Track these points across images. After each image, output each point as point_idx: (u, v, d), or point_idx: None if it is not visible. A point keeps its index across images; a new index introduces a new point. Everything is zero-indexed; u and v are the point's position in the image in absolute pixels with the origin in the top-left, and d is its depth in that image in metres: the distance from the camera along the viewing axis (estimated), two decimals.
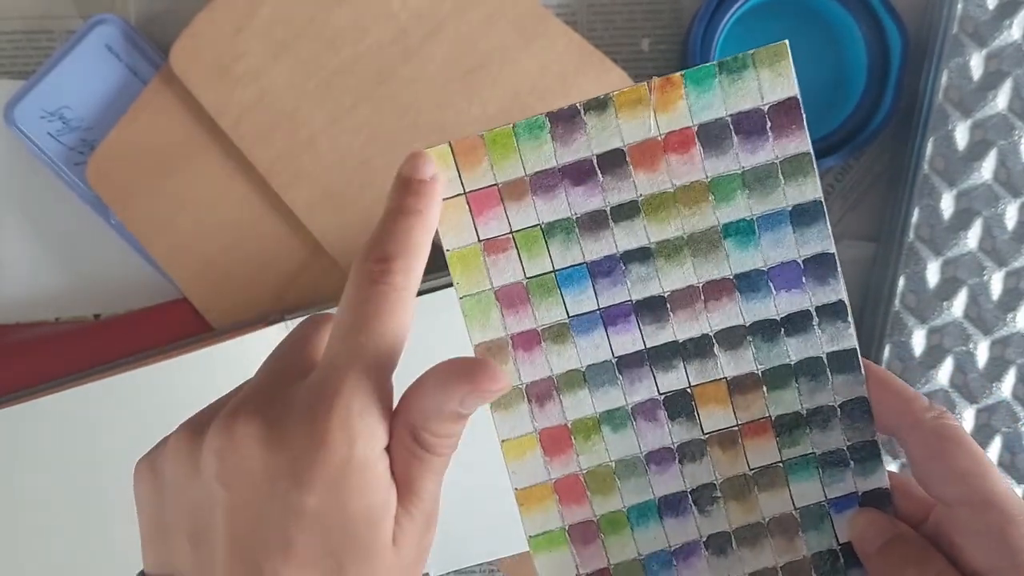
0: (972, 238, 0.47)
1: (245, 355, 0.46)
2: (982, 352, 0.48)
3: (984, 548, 0.27)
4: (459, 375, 0.26)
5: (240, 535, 0.25)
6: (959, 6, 0.46)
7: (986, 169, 0.47)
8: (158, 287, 0.50)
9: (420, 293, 0.45)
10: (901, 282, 0.48)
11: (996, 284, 0.47)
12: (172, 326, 0.49)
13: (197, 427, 0.28)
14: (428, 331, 0.45)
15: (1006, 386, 0.48)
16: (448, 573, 0.49)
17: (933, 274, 0.48)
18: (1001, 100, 0.47)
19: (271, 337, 0.46)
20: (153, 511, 0.29)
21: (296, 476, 0.25)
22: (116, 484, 0.46)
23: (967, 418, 0.48)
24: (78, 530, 0.46)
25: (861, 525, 0.31)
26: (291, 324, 0.46)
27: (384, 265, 0.27)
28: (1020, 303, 0.47)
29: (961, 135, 0.47)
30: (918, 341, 0.48)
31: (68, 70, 0.47)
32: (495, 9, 0.47)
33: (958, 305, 0.47)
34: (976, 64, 0.47)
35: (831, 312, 0.31)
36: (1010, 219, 0.47)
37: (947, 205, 0.47)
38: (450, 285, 0.42)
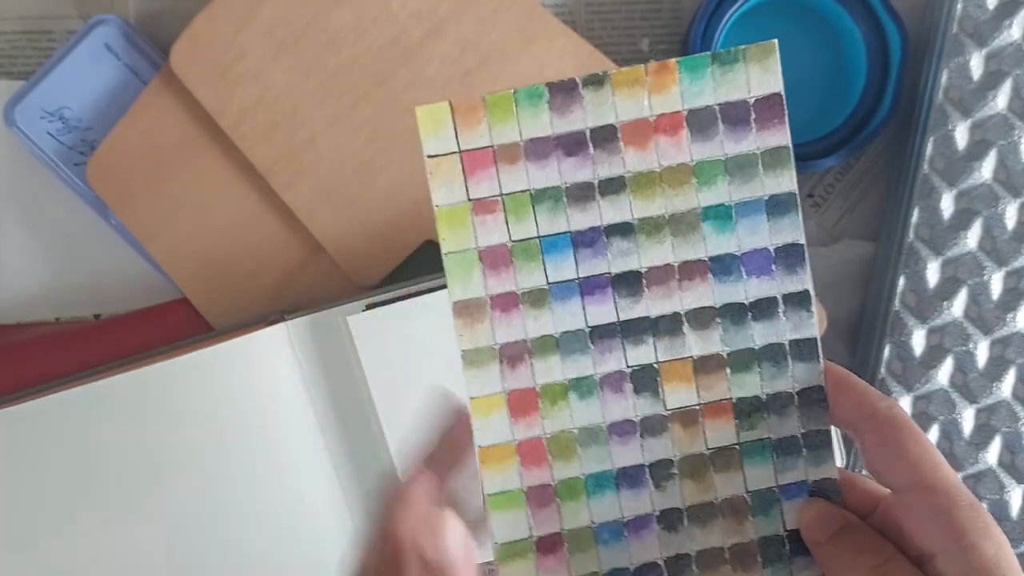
0: (972, 238, 0.47)
1: (245, 355, 0.46)
2: (982, 352, 0.48)
3: (932, 531, 0.28)
4: None
5: None
6: (959, 6, 0.46)
7: (986, 169, 0.47)
8: (158, 287, 0.50)
9: (419, 293, 0.45)
10: (901, 282, 0.48)
11: (996, 284, 0.47)
12: (172, 326, 0.49)
13: None
14: (428, 331, 0.45)
15: (1006, 386, 0.48)
16: None
17: (933, 274, 0.48)
18: (1001, 100, 0.47)
19: (271, 337, 0.46)
20: None
21: None
22: (116, 484, 0.46)
23: (967, 418, 0.48)
24: (78, 530, 0.46)
25: (811, 514, 0.31)
26: (291, 324, 0.46)
27: None
28: (1020, 303, 0.47)
29: (961, 135, 0.47)
30: (918, 341, 0.48)
31: (68, 70, 0.47)
32: (495, 9, 0.47)
33: (958, 305, 0.47)
34: (976, 64, 0.47)
35: (796, 301, 0.32)
36: (1010, 219, 0.47)
37: (947, 205, 0.47)
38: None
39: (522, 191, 0.31)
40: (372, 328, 0.45)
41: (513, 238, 0.31)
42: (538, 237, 0.31)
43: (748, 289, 0.32)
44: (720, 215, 0.31)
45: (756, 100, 0.31)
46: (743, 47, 0.31)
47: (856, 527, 0.30)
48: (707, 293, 0.31)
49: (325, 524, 0.47)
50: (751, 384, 0.32)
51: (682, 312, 0.32)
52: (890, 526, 0.30)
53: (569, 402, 0.32)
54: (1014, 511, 0.48)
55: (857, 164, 0.51)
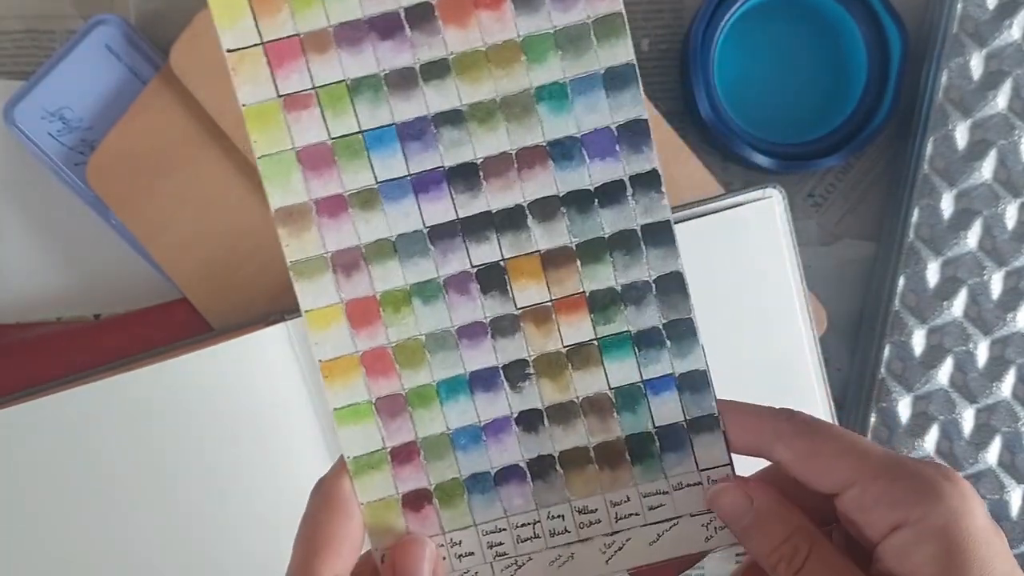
0: (972, 238, 0.47)
1: (245, 355, 0.46)
2: (982, 352, 0.48)
3: (882, 516, 0.27)
4: None
5: None
6: (959, 6, 0.46)
7: (986, 169, 0.47)
8: (158, 287, 0.50)
9: None
10: (901, 282, 0.48)
11: (996, 284, 0.47)
12: (172, 326, 0.49)
13: None
14: None
15: (1006, 386, 0.48)
16: None
17: (933, 274, 0.48)
18: (1001, 100, 0.47)
19: (271, 337, 0.46)
20: None
21: None
22: (116, 484, 0.46)
23: (967, 418, 0.48)
24: (78, 531, 0.46)
25: (724, 508, 0.30)
26: (291, 324, 0.46)
27: None
28: (1020, 303, 0.47)
29: (961, 135, 0.47)
30: (918, 341, 0.48)
31: (68, 70, 0.47)
32: None
33: (958, 305, 0.47)
34: (976, 64, 0.47)
35: (645, 182, 0.30)
36: (1010, 219, 0.47)
37: (947, 205, 0.47)
38: None
39: (337, 82, 0.29)
40: None
41: (333, 135, 0.29)
42: (360, 132, 0.29)
43: (592, 173, 0.30)
44: (555, 94, 0.29)
45: None
46: None
47: (771, 516, 0.29)
48: (549, 181, 0.30)
49: None
50: (604, 275, 0.30)
51: (524, 204, 0.30)
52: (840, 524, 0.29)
53: (413, 308, 0.30)
54: (1014, 511, 0.48)
55: (857, 164, 0.51)
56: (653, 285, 0.30)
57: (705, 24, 0.47)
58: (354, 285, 0.30)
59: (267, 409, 0.46)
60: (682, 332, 0.30)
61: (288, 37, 0.29)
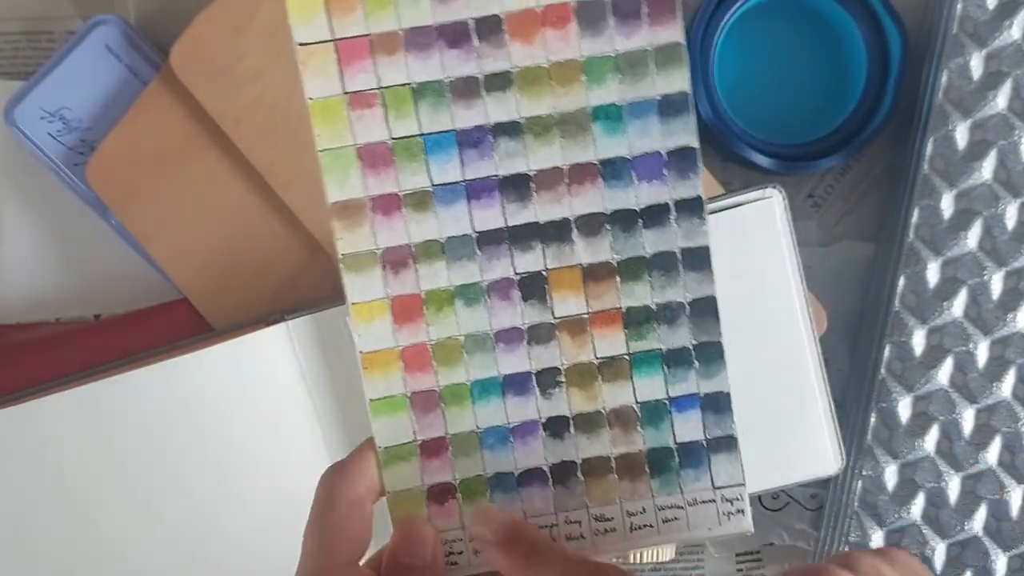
0: (972, 238, 0.47)
1: (245, 355, 0.46)
2: (982, 352, 0.47)
3: None
4: None
5: None
6: (959, 6, 0.46)
7: (986, 169, 0.47)
8: (158, 287, 0.50)
9: None
10: (901, 282, 0.48)
11: (996, 284, 0.47)
12: (172, 326, 0.49)
13: None
14: None
15: (1006, 386, 0.47)
16: None
17: (933, 274, 0.48)
18: (1001, 100, 0.47)
19: (271, 337, 0.46)
20: None
21: None
22: (116, 484, 0.46)
23: (967, 418, 0.48)
24: (78, 530, 0.46)
25: None
26: (291, 324, 0.46)
27: None
28: (1020, 303, 0.47)
29: (961, 135, 0.47)
30: (918, 341, 0.48)
31: (68, 71, 0.47)
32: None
33: (958, 305, 0.47)
34: (976, 64, 0.47)
35: (688, 207, 0.31)
36: (1010, 219, 0.47)
37: (947, 205, 0.47)
38: None
39: (402, 84, 0.30)
40: None
41: (394, 135, 0.30)
42: (421, 135, 0.30)
43: (639, 194, 0.31)
44: (610, 115, 0.30)
45: None
46: None
47: None
48: (597, 198, 0.31)
49: None
50: (641, 293, 0.31)
51: (571, 218, 0.31)
52: None
53: (455, 308, 0.31)
54: (1014, 511, 0.48)
55: (857, 164, 0.51)
56: (687, 307, 0.31)
57: (705, 24, 0.47)
58: (401, 282, 0.31)
59: (267, 409, 0.46)
60: (710, 354, 0.31)
61: (359, 36, 0.29)
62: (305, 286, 0.49)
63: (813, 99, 0.50)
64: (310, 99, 0.30)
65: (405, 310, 0.31)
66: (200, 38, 0.46)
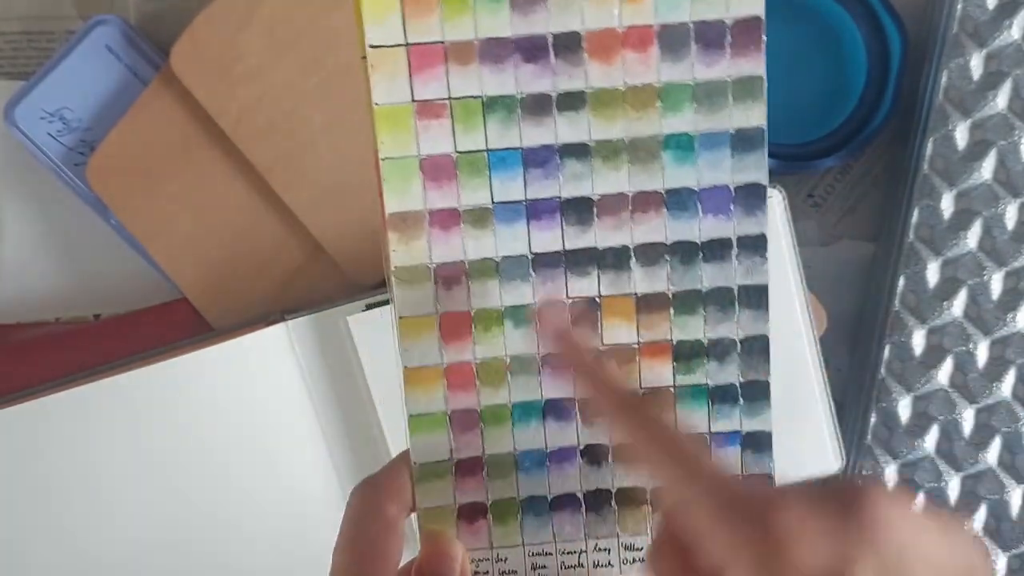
0: (972, 238, 0.47)
1: (245, 355, 0.46)
2: (982, 352, 0.47)
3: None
4: None
5: None
6: (959, 6, 0.46)
7: (986, 169, 0.47)
8: (158, 287, 0.50)
9: None
10: (901, 282, 0.48)
11: (996, 284, 0.47)
12: (172, 326, 0.49)
13: None
14: None
15: (1006, 386, 0.47)
16: None
17: (933, 274, 0.48)
18: (1001, 100, 0.47)
19: (271, 337, 0.46)
20: None
21: None
22: (116, 484, 0.46)
23: (967, 418, 0.48)
24: (78, 530, 0.46)
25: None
26: (291, 324, 0.46)
27: None
28: (1020, 303, 0.47)
29: (961, 135, 0.47)
30: (918, 341, 0.48)
31: (68, 71, 0.47)
32: None
33: (958, 305, 0.47)
34: (976, 64, 0.47)
35: (751, 245, 0.30)
36: (1010, 219, 0.47)
37: (947, 205, 0.47)
38: None
39: (473, 97, 0.29)
40: (372, 328, 0.45)
41: (459, 149, 0.29)
42: (486, 150, 0.29)
43: (703, 227, 0.30)
44: (682, 145, 0.29)
45: (735, 22, 0.29)
46: None
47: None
48: (659, 228, 0.30)
49: (325, 524, 0.47)
50: (694, 327, 0.30)
51: (631, 246, 0.30)
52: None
53: (504, 329, 0.30)
54: (1014, 511, 0.48)
55: (857, 164, 0.51)
56: (739, 344, 0.31)
57: None
58: (452, 299, 0.30)
59: (267, 409, 0.46)
60: (756, 393, 0.31)
61: (433, 43, 0.28)
62: (305, 286, 0.49)
63: (813, 99, 0.50)
64: (376, 104, 0.28)
65: (453, 328, 0.30)
66: (200, 38, 0.46)
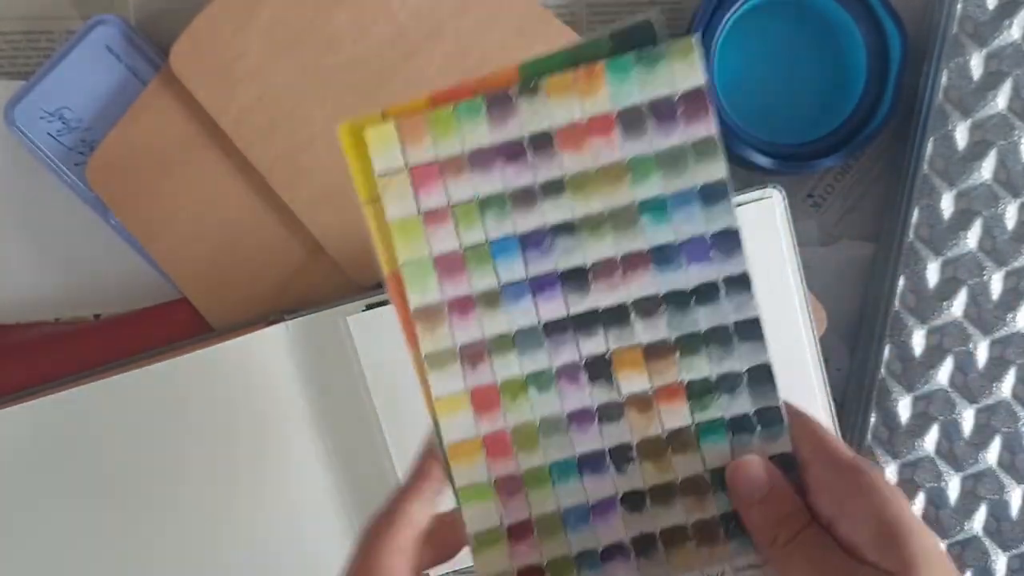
0: (972, 238, 0.47)
1: (245, 355, 0.46)
2: (982, 352, 0.48)
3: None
4: None
5: None
6: (959, 6, 0.46)
7: (986, 169, 0.47)
8: (158, 287, 0.50)
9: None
10: (901, 282, 0.48)
11: (996, 284, 0.47)
12: (172, 326, 0.49)
13: None
14: None
15: (1006, 386, 0.48)
16: (447, 573, 0.49)
17: (933, 274, 0.48)
18: (1001, 100, 0.47)
19: (271, 337, 0.46)
20: None
21: None
22: (116, 484, 0.46)
23: (967, 418, 0.48)
24: (78, 531, 0.46)
25: (738, 481, 0.32)
26: (291, 324, 0.46)
27: None
28: (1020, 303, 0.47)
29: (961, 135, 0.47)
30: (918, 341, 0.48)
31: (68, 70, 0.47)
32: (495, 9, 0.47)
33: (958, 305, 0.47)
34: (976, 64, 0.47)
35: (736, 283, 0.33)
36: (1010, 219, 0.47)
37: (947, 205, 0.47)
38: None
39: (469, 200, 0.32)
40: (372, 328, 0.45)
41: (464, 244, 0.32)
42: (487, 242, 0.32)
43: (689, 276, 0.32)
44: (656, 207, 0.32)
45: (681, 95, 0.32)
46: (664, 45, 0.32)
47: (779, 496, 0.31)
48: (650, 282, 0.33)
49: (324, 524, 0.47)
50: (700, 366, 0.33)
51: (628, 302, 0.33)
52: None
53: (529, 395, 0.33)
54: (1014, 511, 0.48)
55: (857, 164, 0.51)
56: (745, 375, 0.33)
57: (705, 24, 0.47)
58: (478, 374, 0.33)
59: (267, 409, 0.46)
60: (770, 418, 0.33)
61: (429, 164, 0.32)
62: (305, 286, 0.49)
63: (813, 99, 0.50)
64: (391, 220, 0.32)
65: (483, 400, 0.33)
66: (200, 38, 0.46)
